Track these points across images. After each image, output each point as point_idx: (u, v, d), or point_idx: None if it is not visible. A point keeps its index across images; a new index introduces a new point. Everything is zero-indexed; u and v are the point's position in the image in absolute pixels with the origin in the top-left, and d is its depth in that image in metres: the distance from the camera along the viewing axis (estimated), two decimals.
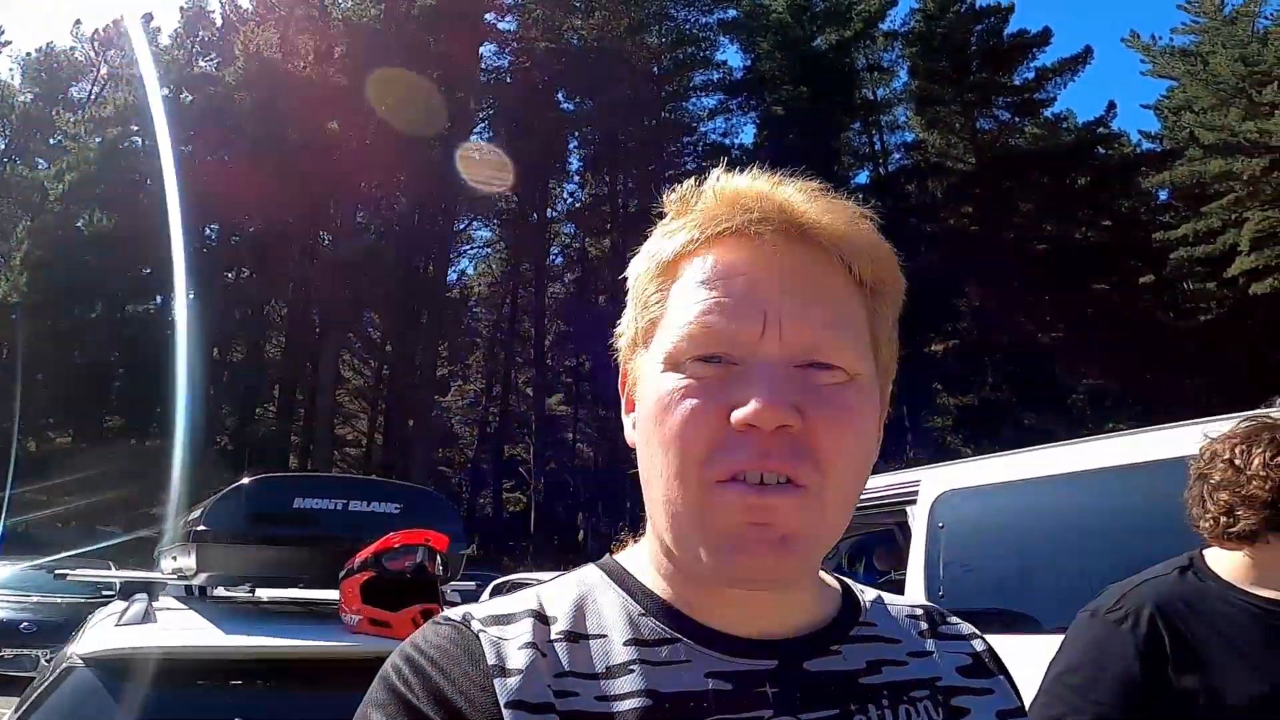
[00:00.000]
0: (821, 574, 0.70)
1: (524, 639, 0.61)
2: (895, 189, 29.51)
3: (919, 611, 0.75)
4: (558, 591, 0.66)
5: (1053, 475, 2.82)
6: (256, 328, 28.95)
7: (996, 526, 2.91)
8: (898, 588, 3.46)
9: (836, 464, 0.59)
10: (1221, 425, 2.32)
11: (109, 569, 8.21)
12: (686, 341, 0.60)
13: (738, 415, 0.57)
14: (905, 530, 3.24)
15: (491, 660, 0.59)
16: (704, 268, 0.62)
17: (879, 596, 0.74)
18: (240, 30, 26.47)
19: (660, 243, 0.65)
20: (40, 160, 27.12)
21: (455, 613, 0.64)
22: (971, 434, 22.73)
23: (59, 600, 9.33)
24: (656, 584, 0.66)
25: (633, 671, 0.60)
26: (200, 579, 2.39)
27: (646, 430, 0.62)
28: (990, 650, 0.74)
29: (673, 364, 0.61)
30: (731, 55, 47.93)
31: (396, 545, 2.13)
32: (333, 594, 2.39)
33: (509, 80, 30.76)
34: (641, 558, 0.69)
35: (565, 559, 26.55)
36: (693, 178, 0.67)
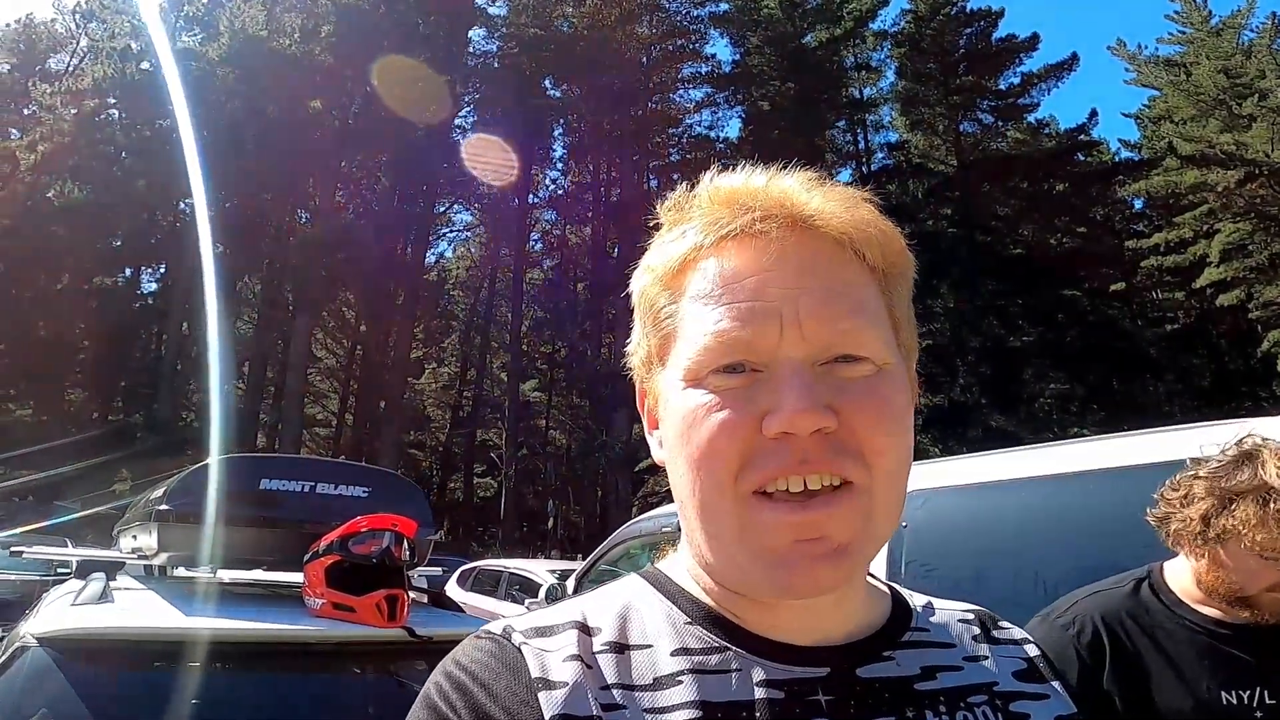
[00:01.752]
0: (870, 579, 0.68)
1: (568, 651, 0.59)
2: (876, 187, 29.65)
3: (970, 616, 0.72)
4: (601, 602, 0.65)
5: (1014, 479, 2.87)
6: (228, 303, 28.52)
7: (958, 529, 2.94)
8: None
9: (883, 458, 0.56)
10: (1183, 434, 2.37)
11: (66, 546, 8.08)
12: (705, 354, 0.57)
13: (770, 424, 0.55)
14: None
15: (535, 673, 0.58)
16: (712, 275, 0.59)
17: (929, 602, 0.72)
18: (226, 7, 25.96)
19: (662, 254, 0.63)
20: (13, 130, 26.47)
21: (495, 626, 0.62)
22: (940, 434, 22.99)
23: (13, 577, 9.17)
24: (701, 592, 0.64)
25: (681, 682, 0.58)
26: (161, 559, 2.36)
27: (674, 449, 0.60)
28: (1044, 655, 0.72)
29: (694, 379, 0.58)
30: (721, 48, 47.94)
31: (363, 530, 2.11)
32: (293, 577, 2.36)
33: (496, 65, 30.48)
34: (684, 565, 0.66)
35: (534, 546, 26.55)
36: (684, 183, 0.64)
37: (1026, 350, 26.35)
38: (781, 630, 0.61)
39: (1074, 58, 28.94)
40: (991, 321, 26.76)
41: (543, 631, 0.61)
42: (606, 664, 0.59)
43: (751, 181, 0.61)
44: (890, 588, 0.72)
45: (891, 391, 0.58)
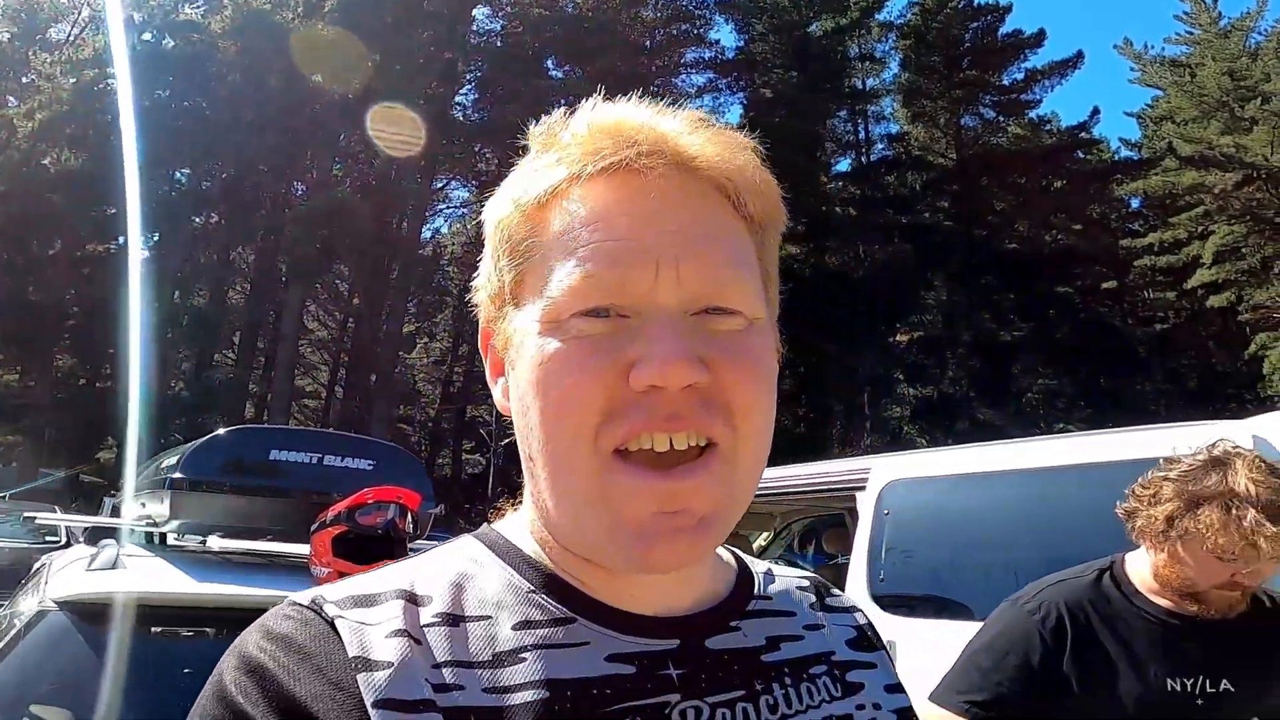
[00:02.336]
0: None
1: (393, 625, 0.52)
2: (875, 178, 29.72)
3: (806, 583, 0.71)
4: (432, 567, 0.57)
5: (993, 472, 2.98)
6: (221, 273, 28.40)
7: (939, 517, 3.05)
8: (845, 571, 3.61)
9: (751, 418, 0.53)
10: (1157, 434, 2.46)
11: (54, 512, 8.07)
12: (568, 296, 0.52)
13: (639, 375, 0.50)
14: (855, 516, 3.39)
15: (353, 652, 0.50)
16: (584, 210, 0.53)
17: (769, 569, 0.69)
18: None
19: (528, 181, 0.56)
20: (11, 98, 26.20)
21: (304, 596, 0.54)
22: (927, 425, 23.19)
23: (3, 544, 9.18)
24: (544, 556, 0.58)
25: (524, 659, 0.52)
26: (172, 526, 2.43)
27: (526, 398, 0.54)
28: (870, 624, 0.72)
29: (553, 322, 0.52)
30: (725, 34, 47.56)
31: (369, 501, 2.18)
32: (296, 548, 2.43)
33: (499, 44, 30.24)
34: (524, 526, 0.60)
35: None
36: (564, 108, 0.58)
37: (1017, 345, 26.52)
38: (628, 599, 0.57)
39: (1079, 55, 28.86)
40: (983, 315, 26.89)
41: (361, 601, 0.53)
42: (438, 639, 0.52)
43: (637, 114, 0.55)
44: (733, 553, 0.68)
45: (762, 348, 0.55)
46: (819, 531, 6.47)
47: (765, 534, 6.50)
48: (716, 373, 0.51)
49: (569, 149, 0.55)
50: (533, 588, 0.56)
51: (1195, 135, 27.74)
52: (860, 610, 0.73)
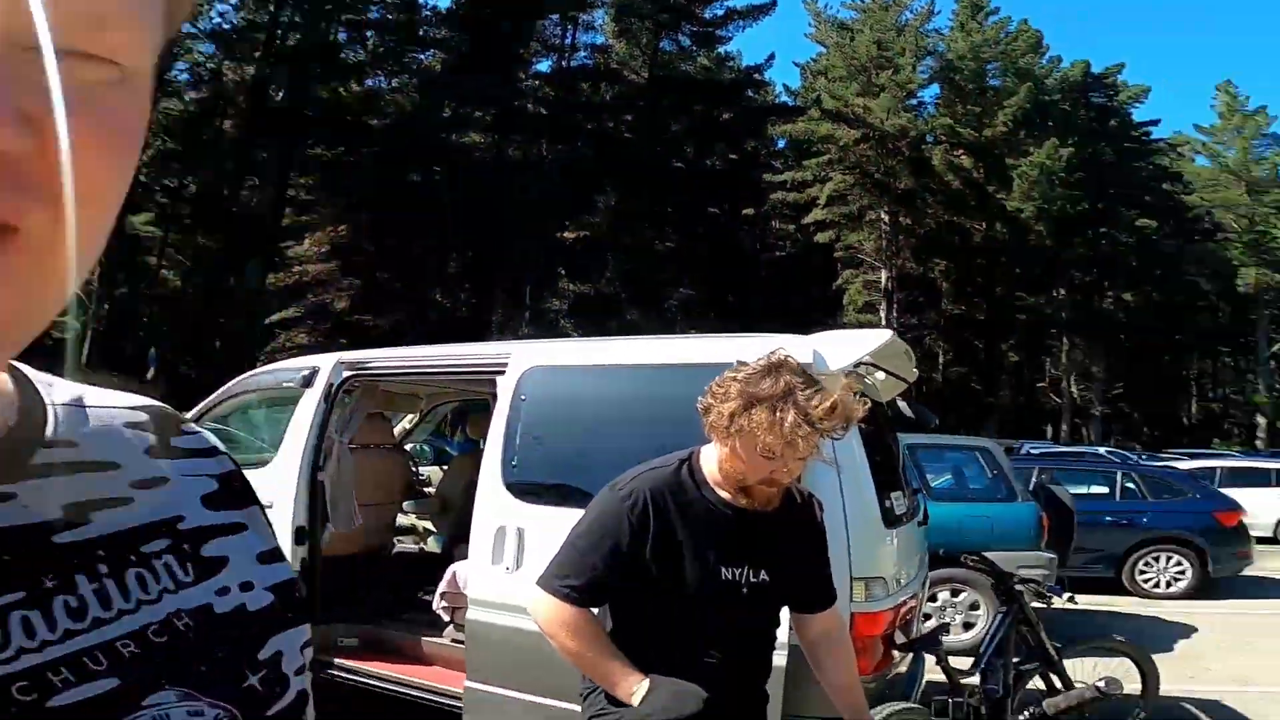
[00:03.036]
0: None
1: None
2: (571, 84, 29.80)
3: (144, 417, 0.49)
4: None
5: (615, 365, 3.18)
6: None
7: (570, 406, 3.19)
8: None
9: (89, 204, 0.35)
10: (747, 342, 2.81)
11: None
12: None
13: None
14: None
15: None
16: None
17: (79, 396, 0.47)
18: None
19: None
20: None
21: None
22: (582, 321, 24.47)
23: None
24: None
25: None
26: None
27: None
28: (239, 470, 0.52)
29: None
30: None
31: None
32: None
33: None
34: None
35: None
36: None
37: (666, 255, 28.94)
38: None
39: (774, 2, 31.21)
40: (644, 225, 28.78)
41: None
42: None
43: None
44: (17, 373, 0.44)
45: (131, 112, 0.37)
46: (466, 416, 6.48)
47: (411, 416, 6.33)
48: (46, 142, 0.33)
49: None
50: None
51: (839, 92, 32.04)
52: (225, 453, 0.52)
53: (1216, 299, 37.77)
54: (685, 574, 1.62)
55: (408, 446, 6.48)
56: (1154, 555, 9.39)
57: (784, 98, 36.11)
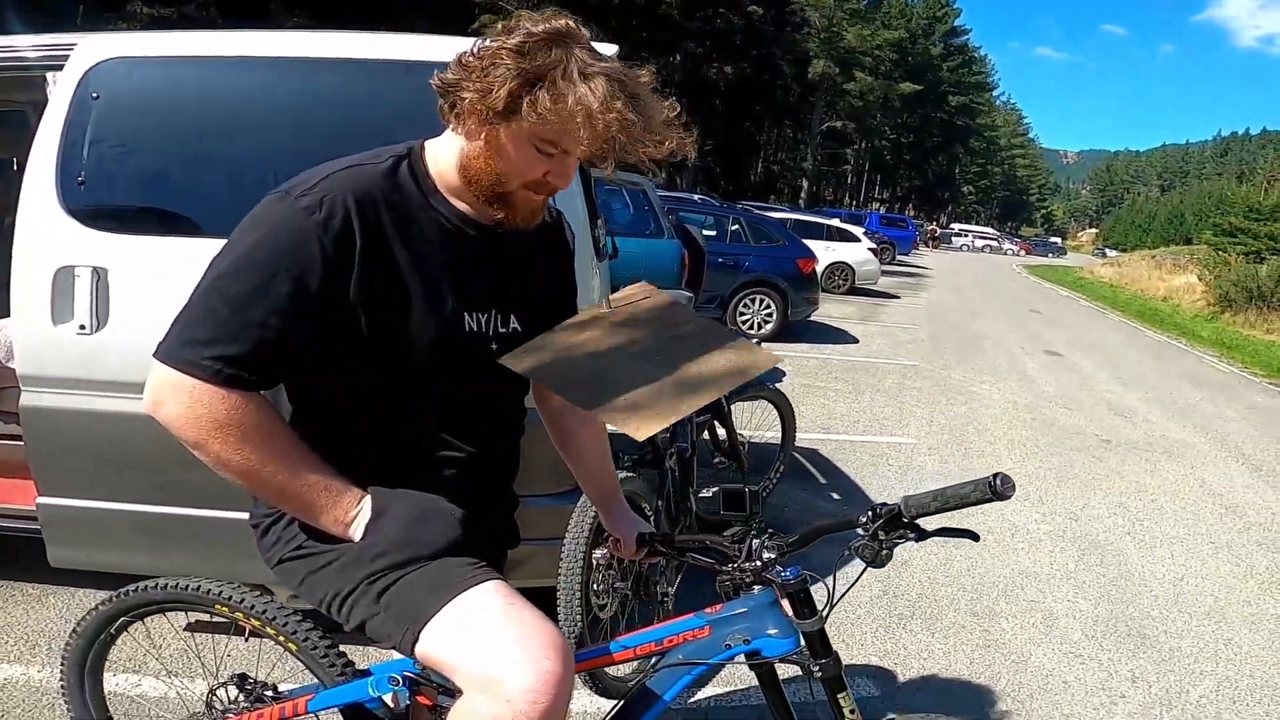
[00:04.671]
0: None
1: None
2: None
3: None
4: None
5: (237, 56, 2.34)
6: None
7: (168, 109, 2.33)
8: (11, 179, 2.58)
9: None
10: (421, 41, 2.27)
11: None
12: None
13: None
14: (42, 109, 2.39)
15: None
16: None
17: None
18: None
19: None
20: None
21: None
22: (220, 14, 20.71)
23: None
24: None
25: None
26: None
27: None
28: None
29: None
30: None
31: None
32: None
33: None
34: None
35: None
36: None
37: None
38: None
39: None
40: None
41: None
42: None
43: None
44: None
45: None
46: None
47: None
48: None
49: None
50: None
51: None
52: None
53: (790, 80, 46.41)
54: (411, 325, 1.15)
55: None
56: (751, 297, 10.49)
57: None
